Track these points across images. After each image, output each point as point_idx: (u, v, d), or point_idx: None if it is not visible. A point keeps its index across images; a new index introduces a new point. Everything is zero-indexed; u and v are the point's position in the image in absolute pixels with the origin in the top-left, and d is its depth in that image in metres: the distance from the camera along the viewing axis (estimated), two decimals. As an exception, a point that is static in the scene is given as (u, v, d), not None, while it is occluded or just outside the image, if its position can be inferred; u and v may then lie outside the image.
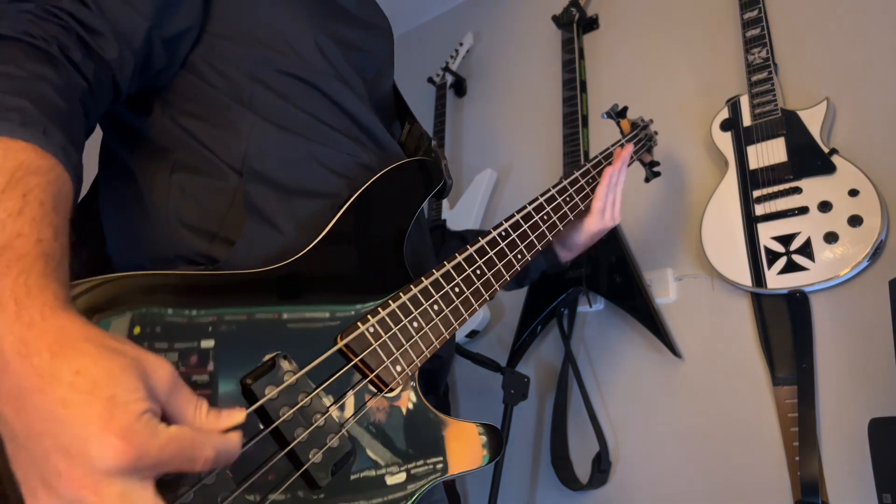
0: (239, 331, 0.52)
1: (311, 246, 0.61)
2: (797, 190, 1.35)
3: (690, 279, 1.56)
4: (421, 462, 0.60)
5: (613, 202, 1.01)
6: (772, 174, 1.39)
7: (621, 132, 1.22)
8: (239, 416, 0.41)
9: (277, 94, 0.67)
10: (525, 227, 0.83)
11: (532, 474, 1.70)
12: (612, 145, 1.13)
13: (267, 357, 0.52)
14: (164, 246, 0.62)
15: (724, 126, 1.51)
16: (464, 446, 0.64)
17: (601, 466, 1.53)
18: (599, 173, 1.03)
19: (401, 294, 0.64)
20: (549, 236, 0.86)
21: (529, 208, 0.85)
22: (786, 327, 1.36)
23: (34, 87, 0.47)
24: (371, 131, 0.75)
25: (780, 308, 1.38)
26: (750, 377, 1.41)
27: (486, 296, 0.73)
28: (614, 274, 1.59)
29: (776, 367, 1.37)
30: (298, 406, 0.52)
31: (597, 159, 1.05)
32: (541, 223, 0.85)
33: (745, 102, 1.49)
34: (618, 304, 1.61)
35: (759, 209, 1.39)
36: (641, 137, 1.22)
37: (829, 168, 1.33)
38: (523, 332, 1.73)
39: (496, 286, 0.75)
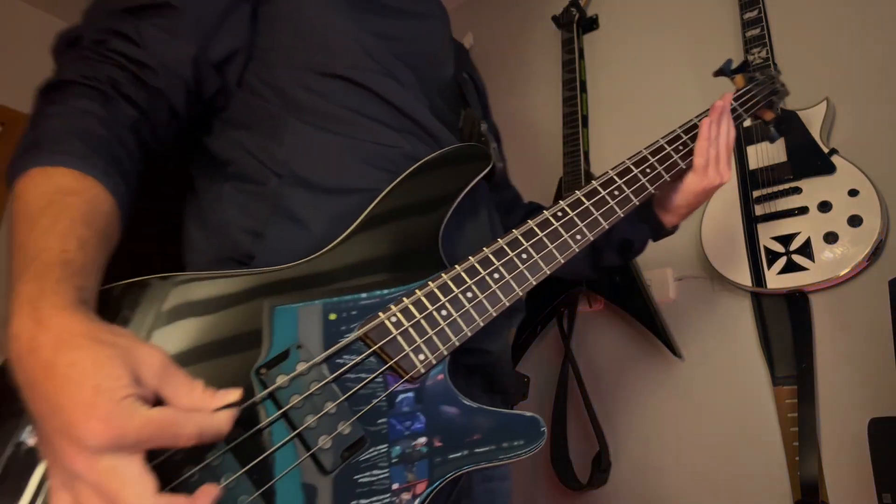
0: (258, 323, 0.55)
1: (338, 240, 0.62)
2: (797, 190, 1.35)
3: (690, 279, 1.56)
4: (444, 451, 0.58)
5: (717, 157, 0.89)
6: (772, 174, 1.39)
7: (736, 90, 1.07)
8: (231, 395, 0.46)
9: (320, 95, 0.70)
10: (588, 204, 0.75)
11: (532, 474, 1.70)
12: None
13: (282, 348, 0.55)
14: (218, 249, 0.67)
15: (724, 126, 1.51)
16: (497, 436, 0.60)
17: (601, 466, 1.53)
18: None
19: (429, 282, 0.62)
20: (621, 212, 0.77)
21: (596, 184, 0.78)
22: (786, 327, 1.37)
23: (80, 122, 0.54)
24: (420, 121, 0.74)
25: (780, 308, 1.38)
26: (750, 377, 1.41)
27: (531, 280, 0.67)
28: (614, 274, 1.60)
29: (776, 367, 1.37)
30: (308, 394, 0.53)
31: (698, 118, 0.93)
32: (609, 199, 0.77)
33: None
34: (618, 304, 1.61)
35: (759, 209, 1.39)
36: (757, 93, 1.06)
37: (828, 168, 1.33)
38: (523, 332, 1.73)
39: (545, 269, 0.68)
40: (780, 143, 1.40)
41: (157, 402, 0.43)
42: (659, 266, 1.61)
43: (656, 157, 0.84)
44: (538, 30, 2.11)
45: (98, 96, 0.57)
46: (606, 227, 0.75)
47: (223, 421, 0.44)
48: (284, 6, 0.71)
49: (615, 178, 0.79)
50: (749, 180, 1.43)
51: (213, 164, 0.71)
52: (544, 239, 0.70)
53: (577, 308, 1.70)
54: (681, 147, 0.87)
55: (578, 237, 0.72)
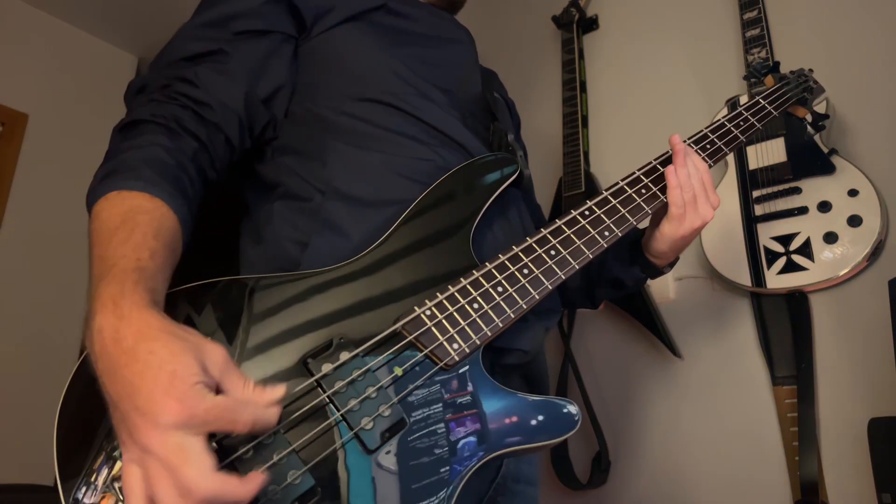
0: (305, 319, 0.62)
1: (374, 245, 0.68)
2: (797, 190, 1.35)
3: (690, 279, 1.56)
4: (479, 433, 0.61)
5: (694, 199, 0.83)
6: (771, 174, 1.39)
7: (765, 89, 1.06)
8: (279, 391, 0.51)
9: (359, 119, 0.77)
10: (615, 202, 0.78)
11: (532, 474, 1.70)
12: (747, 103, 0.97)
13: (326, 340, 0.61)
14: (270, 260, 0.74)
15: (724, 126, 1.51)
16: (532, 420, 0.63)
17: (601, 466, 1.53)
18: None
19: (461, 279, 0.67)
20: (648, 209, 0.79)
21: (622, 183, 0.80)
22: (786, 327, 1.37)
23: (150, 152, 0.63)
24: (452, 136, 0.80)
25: (780, 308, 1.38)
26: (750, 377, 1.41)
27: (560, 274, 0.71)
28: (614, 274, 1.59)
29: (776, 367, 1.37)
30: (350, 379, 0.58)
31: (658, 161, 0.86)
32: (636, 196, 0.79)
33: (744, 102, 1.49)
34: (618, 304, 1.61)
35: (759, 209, 1.39)
36: (786, 92, 1.06)
37: (828, 168, 1.33)
38: (523, 332, 1.73)
39: (574, 264, 0.72)
40: (780, 143, 1.40)
41: (218, 393, 0.48)
42: (659, 266, 1.61)
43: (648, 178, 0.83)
44: (538, 30, 2.11)
45: (165, 131, 0.65)
46: (634, 223, 0.79)
47: (273, 413, 0.50)
48: (321, 45, 0.80)
49: (641, 176, 0.82)
50: (749, 180, 1.43)
51: (265, 187, 0.80)
52: (572, 236, 0.74)
53: (577, 308, 1.70)
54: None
55: (606, 233, 0.76)
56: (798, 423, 1.29)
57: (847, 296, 1.32)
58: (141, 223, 0.56)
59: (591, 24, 1.98)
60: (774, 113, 1.02)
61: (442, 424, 0.61)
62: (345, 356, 0.59)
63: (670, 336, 1.52)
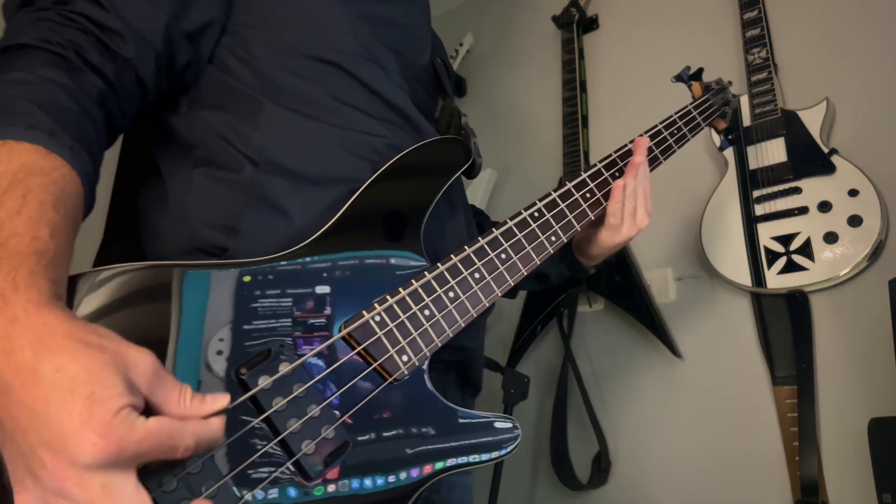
0: (240, 320, 0.52)
1: (320, 232, 0.60)
2: (797, 190, 1.35)
3: (690, 279, 1.56)
4: (426, 453, 0.58)
5: (634, 211, 0.84)
6: (771, 174, 1.39)
7: (693, 98, 1.08)
8: (222, 400, 0.42)
9: (302, 79, 0.67)
10: (562, 205, 0.76)
11: (532, 474, 1.70)
12: (681, 110, 0.98)
13: (263, 347, 0.52)
14: (184, 240, 0.62)
15: (724, 126, 1.51)
16: (475, 438, 0.61)
17: (601, 466, 1.53)
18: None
19: (413, 281, 0.62)
20: (592, 215, 0.79)
21: (569, 186, 0.79)
22: (786, 327, 1.37)
23: (44, 91, 0.49)
24: (402, 110, 0.73)
25: (780, 308, 1.38)
26: (750, 377, 1.41)
27: (510, 281, 0.68)
28: (614, 274, 1.60)
29: (776, 367, 1.37)
30: (292, 396, 0.51)
31: (611, 158, 0.87)
32: (582, 201, 0.79)
33: (744, 102, 1.49)
34: (618, 304, 1.61)
35: (759, 209, 1.39)
36: (713, 103, 1.08)
37: (828, 168, 1.33)
38: (523, 332, 1.73)
39: (523, 270, 0.70)
40: (780, 143, 1.40)
41: (147, 409, 0.40)
42: (659, 266, 1.61)
43: (595, 182, 0.83)
44: (538, 30, 2.11)
45: (63, 64, 0.52)
46: (579, 229, 0.77)
47: (216, 428, 0.41)
48: None
49: (587, 180, 0.81)
50: (749, 180, 1.43)
51: (180, 147, 0.66)
52: (522, 240, 0.71)
53: (577, 308, 1.70)
54: (616, 174, 0.85)
55: (553, 238, 0.74)
56: (798, 423, 1.29)
57: (847, 296, 1.32)
58: (35, 188, 0.43)
59: (591, 24, 1.98)
60: (703, 125, 1.04)
61: (387, 444, 0.56)
62: (284, 367, 0.52)
63: (670, 336, 1.52)
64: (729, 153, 1.48)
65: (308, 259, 0.58)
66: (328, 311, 0.57)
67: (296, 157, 0.65)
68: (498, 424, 0.63)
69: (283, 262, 0.57)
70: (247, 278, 0.54)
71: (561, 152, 1.81)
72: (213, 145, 0.65)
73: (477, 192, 2.00)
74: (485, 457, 0.61)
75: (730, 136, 1.18)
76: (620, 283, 1.58)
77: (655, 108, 1.64)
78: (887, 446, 1.06)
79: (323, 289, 0.58)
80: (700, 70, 1.09)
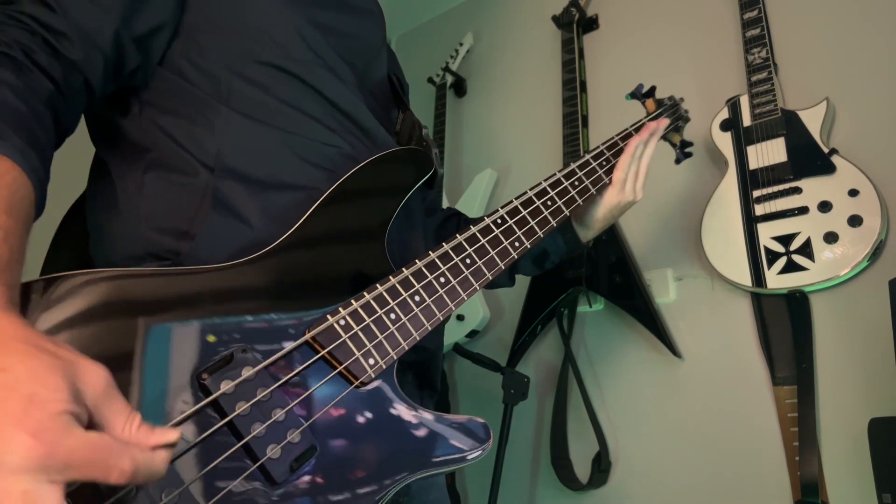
0: (197, 326, 0.51)
1: (282, 238, 0.60)
2: (797, 190, 1.35)
3: (690, 279, 1.56)
4: (395, 457, 0.57)
5: (637, 175, 0.94)
6: (772, 174, 1.39)
7: (647, 113, 1.14)
8: (171, 435, 0.40)
9: (256, 86, 0.67)
10: (524, 212, 0.78)
11: (532, 474, 1.70)
12: (637, 122, 1.04)
13: (226, 351, 0.52)
14: (135, 244, 0.62)
15: (724, 126, 1.51)
16: (445, 441, 0.60)
17: (601, 466, 1.53)
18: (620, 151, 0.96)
19: (377, 285, 0.62)
20: (554, 222, 0.81)
21: (530, 194, 0.81)
22: (786, 327, 1.37)
23: None
24: (358, 120, 0.73)
25: (780, 308, 1.38)
26: (750, 377, 1.41)
27: (475, 285, 0.69)
28: (614, 274, 1.60)
29: (776, 367, 1.37)
30: (255, 400, 0.51)
31: (626, 132, 0.99)
32: (543, 209, 0.80)
33: (744, 102, 1.49)
34: (618, 304, 1.61)
35: (759, 209, 1.39)
36: (666, 117, 1.12)
37: (829, 168, 1.33)
38: (523, 331, 1.73)
39: (488, 275, 0.71)
40: (781, 143, 1.40)
41: (90, 426, 0.37)
42: (659, 266, 1.61)
43: (583, 171, 0.89)
44: (538, 30, 2.11)
45: (10, 64, 0.51)
46: (542, 235, 0.79)
47: (160, 461, 0.39)
48: None
49: (548, 188, 0.84)
50: (749, 180, 1.43)
51: (130, 150, 0.65)
52: (486, 245, 0.73)
53: (577, 308, 1.70)
54: (604, 163, 0.93)
55: (517, 244, 0.76)
56: (798, 423, 1.28)
57: (847, 296, 1.32)
58: None
59: (591, 24, 1.98)
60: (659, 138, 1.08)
61: (355, 449, 0.55)
62: (247, 372, 0.51)
63: (670, 336, 1.52)
64: (730, 153, 1.48)
65: (267, 264, 0.58)
66: (293, 319, 0.57)
67: (251, 162, 0.64)
68: (469, 427, 0.62)
69: (244, 268, 0.56)
70: (204, 282, 0.54)
71: (561, 152, 1.81)
72: (167, 149, 0.64)
73: (477, 193, 2.00)
74: (454, 460, 0.60)
75: (686, 150, 1.23)
76: (620, 283, 1.58)
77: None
78: (887, 446, 1.06)
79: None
80: (653, 88, 1.16)
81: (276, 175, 0.65)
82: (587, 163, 0.91)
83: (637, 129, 1.00)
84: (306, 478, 0.52)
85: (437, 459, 0.59)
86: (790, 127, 1.40)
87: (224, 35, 0.67)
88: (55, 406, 0.35)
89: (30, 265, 0.48)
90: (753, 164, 1.43)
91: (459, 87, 2.28)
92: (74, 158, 0.75)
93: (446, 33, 2.44)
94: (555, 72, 1.97)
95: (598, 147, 0.95)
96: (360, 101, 0.75)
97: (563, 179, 0.85)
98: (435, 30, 2.53)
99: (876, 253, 1.27)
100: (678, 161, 1.24)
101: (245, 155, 0.64)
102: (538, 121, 2.01)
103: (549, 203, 0.82)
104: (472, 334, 1.89)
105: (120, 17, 0.59)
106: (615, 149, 0.96)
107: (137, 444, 0.38)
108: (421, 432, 0.60)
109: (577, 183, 0.87)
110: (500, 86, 2.20)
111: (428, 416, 0.61)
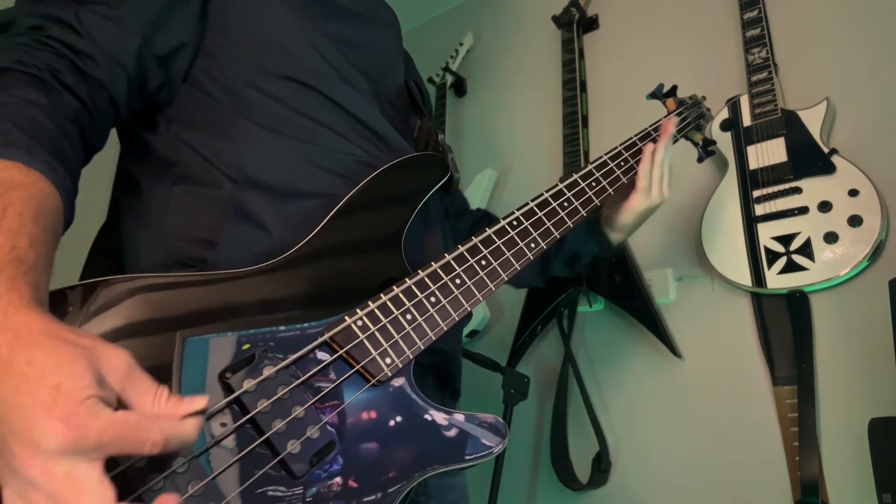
0: (223, 327, 0.54)
1: (301, 244, 0.62)
2: (797, 190, 1.35)
3: (690, 279, 1.56)
4: (411, 455, 0.58)
5: (661, 178, 0.97)
6: (772, 174, 1.39)
7: (667, 112, 1.15)
8: (200, 402, 0.42)
9: (274, 98, 0.69)
10: (540, 214, 0.79)
11: (532, 474, 1.70)
12: (657, 122, 1.06)
13: (248, 352, 0.54)
14: (163, 254, 0.65)
15: (724, 126, 1.51)
16: (462, 439, 0.61)
17: (601, 466, 1.53)
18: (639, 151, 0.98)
19: (393, 287, 0.63)
20: (570, 223, 0.81)
21: (547, 195, 0.81)
22: (786, 327, 1.37)
23: (22, 110, 0.51)
24: (374, 128, 0.75)
25: (780, 308, 1.38)
26: (750, 377, 1.41)
27: (491, 286, 0.70)
28: (614, 274, 1.60)
29: (776, 367, 1.37)
30: (276, 398, 0.53)
31: (645, 131, 1.01)
32: (559, 210, 0.81)
33: (744, 102, 1.49)
34: (618, 304, 1.61)
35: (759, 209, 1.39)
36: (687, 116, 1.14)
37: (829, 168, 1.33)
38: (523, 332, 1.73)
39: (504, 276, 0.72)
40: (781, 143, 1.40)
41: (120, 407, 0.40)
42: (659, 266, 1.60)
43: (600, 172, 0.90)
44: (538, 30, 2.11)
45: (40, 85, 0.54)
46: (558, 236, 0.79)
47: (190, 428, 0.41)
48: (236, 2, 0.70)
49: (564, 189, 0.84)
50: (749, 180, 1.43)
51: (159, 164, 0.69)
52: (502, 247, 0.73)
53: (577, 308, 1.70)
54: (622, 163, 0.94)
55: (533, 245, 0.76)
56: (798, 423, 1.28)
57: (847, 296, 1.32)
58: (15, 202, 0.46)
59: (591, 24, 1.98)
60: (677, 136, 1.10)
61: (373, 444, 0.57)
62: (268, 370, 0.53)
63: (670, 336, 1.52)
64: (730, 153, 1.48)
65: (287, 268, 0.60)
66: (313, 321, 0.59)
67: (268, 172, 0.67)
68: (484, 424, 0.63)
69: (264, 272, 0.59)
70: (227, 286, 0.56)
71: (561, 152, 1.81)
72: (193, 162, 0.67)
73: (477, 193, 2.00)
74: (471, 457, 0.61)
75: (708, 149, 1.22)
76: (620, 283, 1.58)
77: (655, 108, 1.63)
78: (887, 446, 1.06)
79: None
80: (674, 87, 1.15)
81: (293, 183, 0.68)
82: (605, 163, 0.92)
83: (655, 129, 1.03)
84: (325, 471, 0.54)
85: (453, 457, 0.61)
86: (790, 127, 1.40)
87: (241, 51, 0.70)
88: (81, 392, 0.37)
89: (66, 278, 0.51)
90: (753, 164, 1.43)
91: (459, 87, 2.28)
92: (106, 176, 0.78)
93: (446, 33, 2.44)
94: (555, 72, 1.97)
95: (616, 147, 0.96)
96: (376, 109, 0.77)
97: (580, 181, 0.86)
98: (435, 30, 2.53)
99: (876, 253, 1.27)
100: (700, 160, 1.23)
101: (264, 165, 0.67)
102: (538, 121, 2.01)
103: (565, 204, 0.82)
104: (473, 334, 1.89)
105: (142, 37, 0.62)
106: (633, 149, 0.97)
107: (167, 415, 0.41)
108: (437, 430, 0.61)
109: (594, 184, 0.88)
110: (500, 86, 2.20)
111: (444, 413, 0.62)
